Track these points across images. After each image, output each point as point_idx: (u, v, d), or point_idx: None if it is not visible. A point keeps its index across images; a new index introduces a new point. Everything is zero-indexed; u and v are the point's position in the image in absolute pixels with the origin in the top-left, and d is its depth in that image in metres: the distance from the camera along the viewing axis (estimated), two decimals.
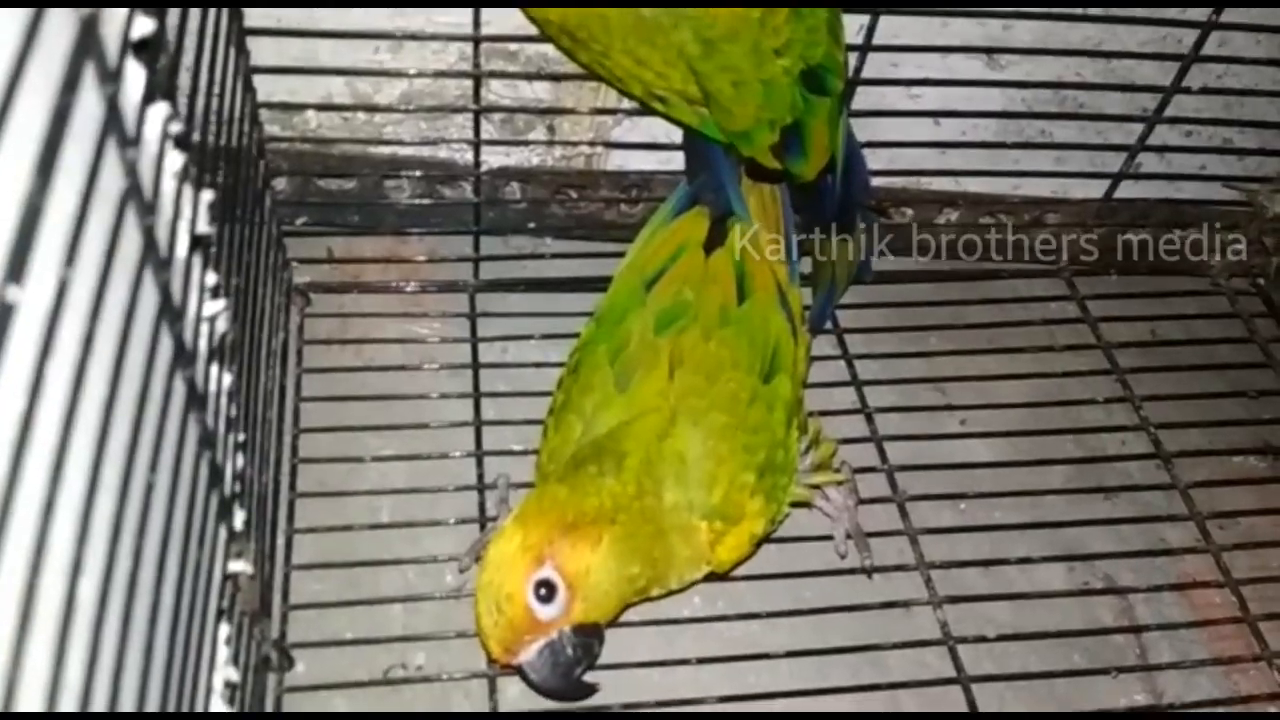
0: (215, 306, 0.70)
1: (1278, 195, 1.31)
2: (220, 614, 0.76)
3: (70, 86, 0.44)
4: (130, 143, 0.53)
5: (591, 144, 1.21)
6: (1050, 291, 1.31)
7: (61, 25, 0.45)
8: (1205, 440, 1.18)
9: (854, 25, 1.08)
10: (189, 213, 0.65)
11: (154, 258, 0.57)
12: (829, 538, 1.02)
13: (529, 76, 1.13)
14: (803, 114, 1.00)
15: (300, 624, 0.95)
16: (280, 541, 0.99)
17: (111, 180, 0.51)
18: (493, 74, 1.11)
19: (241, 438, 0.81)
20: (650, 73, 0.97)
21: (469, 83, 1.10)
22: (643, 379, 0.93)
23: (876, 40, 1.10)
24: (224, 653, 0.76)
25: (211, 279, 0.71)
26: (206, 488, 0.71)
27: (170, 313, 0.60)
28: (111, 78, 0.50)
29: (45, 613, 0.43)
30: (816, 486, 1.00)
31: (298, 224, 1.20)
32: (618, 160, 1.24)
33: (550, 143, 1.20)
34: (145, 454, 0.56)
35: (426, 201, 1.22)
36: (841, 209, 1.12)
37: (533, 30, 1.04)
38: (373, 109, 1.15)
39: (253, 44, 0.97)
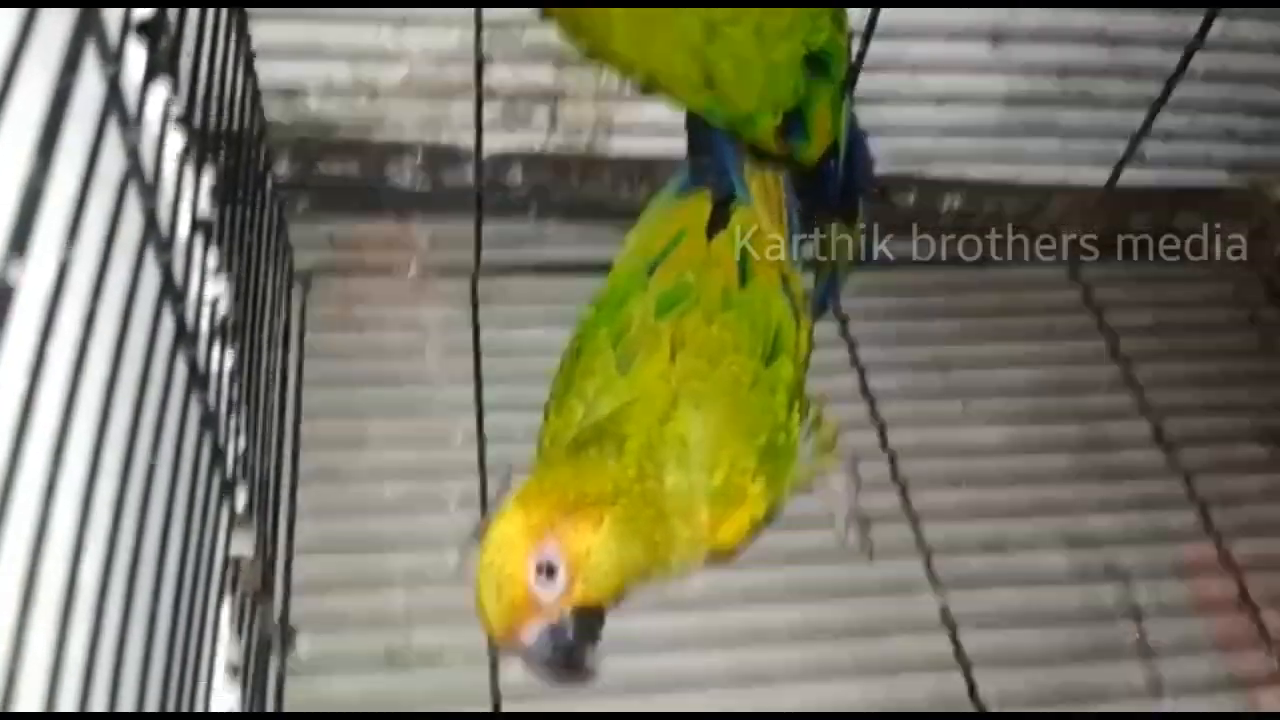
0: (217, 288, 0.70)
1: None
2: (222, 595, 0.76)
3: (71, 66, 0.44)
4: (132, 124, 0.53)
5: (594, 128, 1.20)
6: (1053, 277, 1.31)
7: (63, 5, 0.45)
8: (1207, 426, 1.18)
9: (858, 10, 1.07)
10: (190, 195, 0.65)
11: (155, 239, 0.57)
12: (831, 521, 1.02)
13: (531, 60, 1.13)
14: (805, 98, 0.99)
15: (302, 605, 0.96)
16: (283, 523, 0.99)
17: (113, 161, 0.52)
18: (495, 58, 1.11)
19: (243, 420, 0.81)
20: (653, 56, 0.96)
21: (471, 66, 1.10)
22: (644, 362, 0.93)
23: (880, 25, 1.10)
24: (226, 634, 0.76)
25: (213, 260, 0.71)
26: (208, 469, 0.71)
27: (172, 293, 0.60)
28: (113, 58, 0.50)
29: (47, 595, 0.43)
30: (820, 471, 1.01)
31: (299, 208, 1.20)
32: (620, 144, 1.24)
33: (552, 127, 1.20)
34: (147, 434, 0.57)
35: (428, 186, 1.22)
36: (844, 193, 1.12)
37: (535, 14, 1.04)
38: (375, 93, 1.15)
39: (254, 27, 0.97)
